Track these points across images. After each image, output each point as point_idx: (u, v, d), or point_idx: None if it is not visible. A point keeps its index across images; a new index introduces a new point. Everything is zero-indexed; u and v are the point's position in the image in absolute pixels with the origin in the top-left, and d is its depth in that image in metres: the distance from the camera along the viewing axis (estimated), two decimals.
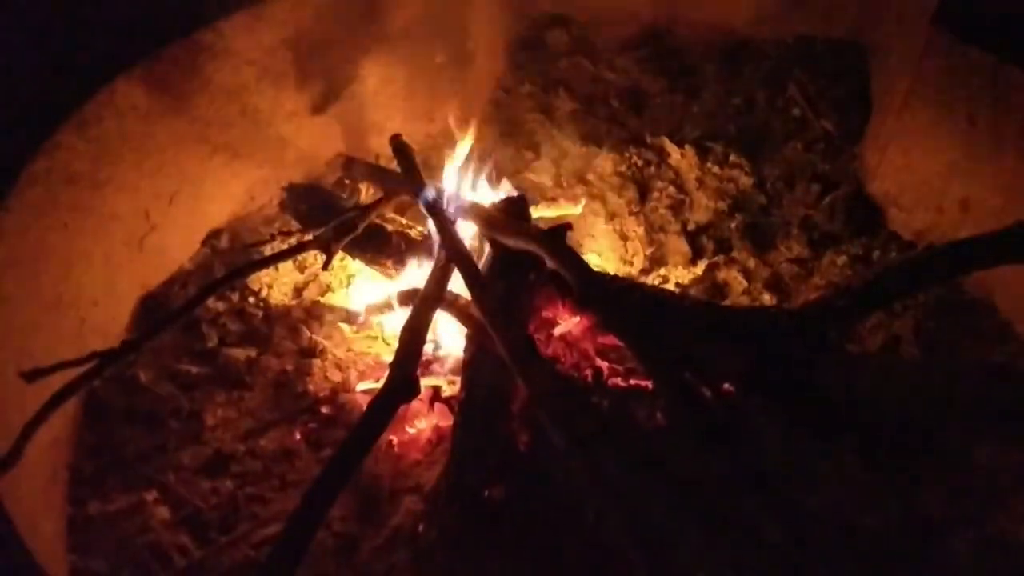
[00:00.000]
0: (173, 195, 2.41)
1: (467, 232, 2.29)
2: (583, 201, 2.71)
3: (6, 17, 2.24)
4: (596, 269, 1.90)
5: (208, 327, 2.36)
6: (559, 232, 1.85)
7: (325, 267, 2.07)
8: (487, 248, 2.20)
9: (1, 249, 1.79)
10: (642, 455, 1.90)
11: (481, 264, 2.18)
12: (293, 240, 2.39)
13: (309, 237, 2.16)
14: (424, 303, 1.89)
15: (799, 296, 2.45)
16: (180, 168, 2.40)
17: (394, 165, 2.48)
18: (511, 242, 2.03)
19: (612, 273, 2.39)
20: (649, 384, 2.08)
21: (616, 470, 1.58)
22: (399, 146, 2.34)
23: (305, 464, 2.09)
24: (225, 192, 2.61)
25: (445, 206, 2.19)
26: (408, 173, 2.28)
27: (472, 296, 1.91)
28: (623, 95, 3.19)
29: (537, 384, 1.66)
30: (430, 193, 2.20)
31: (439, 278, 1.99)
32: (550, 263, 1.86)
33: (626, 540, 1.51)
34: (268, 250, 2.36)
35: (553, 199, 2.74)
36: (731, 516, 1.72)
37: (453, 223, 2.12)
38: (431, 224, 2.17)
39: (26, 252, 1.90)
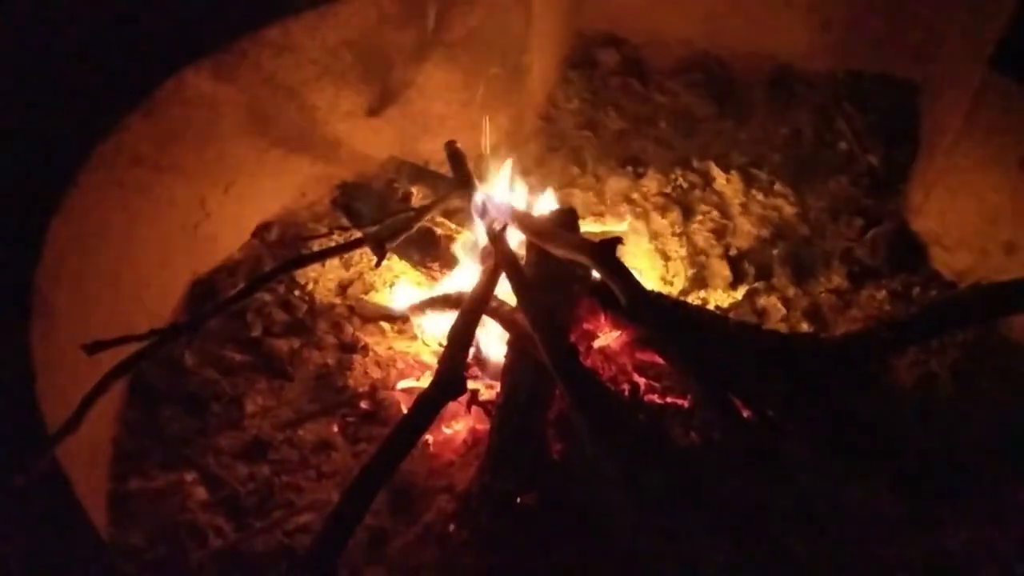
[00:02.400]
0: (229, 185, 2.47)
1: (513, 239, 2.33)
2: (628, 219, 2.74)
3: (86, 6, 2.31)
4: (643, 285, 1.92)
5: (253, 316, 2.40)
6: (610, 246, 1.87)
7: (377, 265, 2.10)
8: (528, 256, 2.24)
9: (69, 224, 1.85)
10: (678, 469, 1.93)
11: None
12: (343, 238, 2.43)
13: (361, 235, 2.20)
14: (473, 305, 1.92)
15: (836, 328, 2.46)
16: (238, 159, 2.46)
17: (444, 169, 2.53)
18: (560, 252, 2.06)
19: (659, 291, 2.41)
20: (685, 402, 2.10)
21: (651, 482, 1.61)
22: (453, 152, 2.39)
23: (341, 456, 2.12)
24: (278, 185, 2.66)
25: (495, 213, 2.23)
26: (461, 179, 2.33)
27: (518, 301, 1.94)
28: (671, 117, 3.22)
29: (578, 391, 1.69)
30: (481, 199, 2.24)
31: (488, 282, 2.02)
32: (599, 276, 1.89)
33: (657, 552, 1.54)
34: (320, 245, 2.40)
35: (599, 215, 2.77)
36: (761, 535, 1.74)
37: (503, 229, 2.15)
38: (480, 229, 2.21)
39: (90, 229, 1.96)
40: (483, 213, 2.22)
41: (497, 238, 2.09)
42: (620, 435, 1.64)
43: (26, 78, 2.13)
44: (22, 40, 2.24)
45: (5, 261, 1.74)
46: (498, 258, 2.03)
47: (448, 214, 2.54)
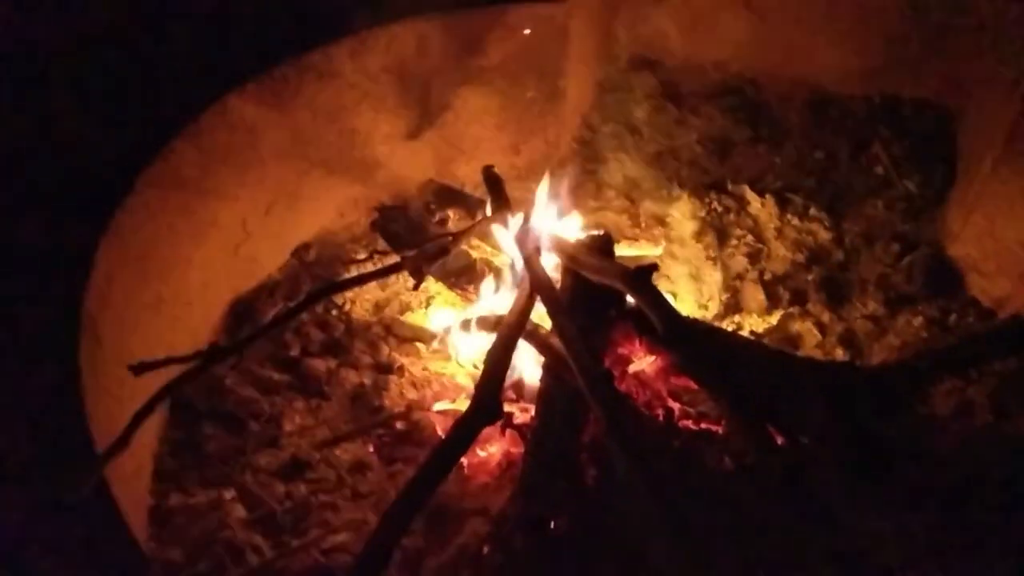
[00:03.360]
0: (269, 206, 2.51)
1: (548, 264, 2.36)
2: (663, 243, 2.75)
3: (136, 30, 2.37)
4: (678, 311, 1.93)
5: (291, 336, 2.44)
6: (646, 271, 1.89)
7: (415, 288, 2.14)
8: (563, 280, 2.26)
9: (116, 247, 1.90)
10: (711, 495, 1.93)
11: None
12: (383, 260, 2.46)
13: (398, 259, 2.24)
14: (509, 329, 1.94)
15: (872, 354, 2.45)
16: (278, 181, 2.51)
17: (480, 193, 2.56)
18: (596, 277, 2.08)
19: (693, 317, 2.41)
20: (720, 428, 2.10)
21: (685, 507, 1.61)
22: (490, 176, 2.42)
23: (377, 477, 2.15)
24: (317, 207, 2.71)
25: (531, 237, 2.25)
26: (497, 203, 2.35)
27: (554, 325, 1.95)
28: (706, 141, 3.22)
29: (612, 417, 1.70)
30: (517, 224, 2.26)
31: (523, 306, 2.04)
32: (635, 301, 1.90)
33: None
34: (361, 267, 2.43)
35: (633, 239, 2.79)
36: (795, 564, 1.73)
37: (538, 254, 2.18)
38: (516, 253, 2.23)
39: (136, 251, 2.01)
40: (520, 238, 2.24)
41: (531, 263, 2.11)
42: (654, 461, 1.64)
43: (74, 102, 2.19)
44: (72, 62, 2.30)
45: (55, 283, 1.79)
46: (533, 283, 2.05)
47: (484, 237, 2.56)
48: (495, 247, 2.52)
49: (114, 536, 1.50)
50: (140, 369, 1.63)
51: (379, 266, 2.20)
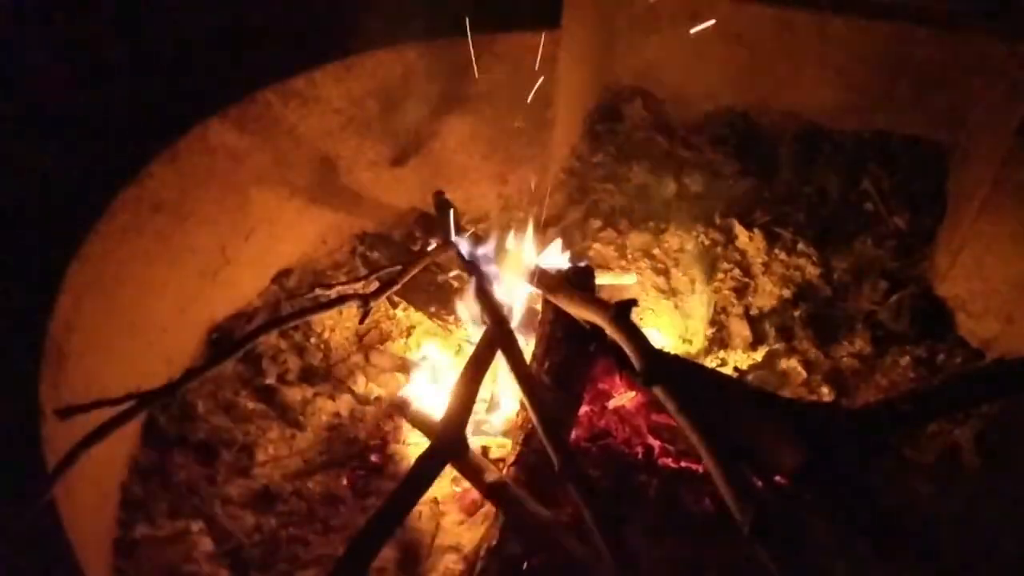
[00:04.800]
0: (250, 232, 2.48)
1: (527, 296, 2.34)
2: (634, 274, 2.72)
3: (116, 52, 2.35)
4: (658, 348, 1.90)
5: (268, 363, 2.40)
6: (624, 307, 1.86)
7: (361, 322, 2.12)
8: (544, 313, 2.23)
9: (86, 271, 1.85)
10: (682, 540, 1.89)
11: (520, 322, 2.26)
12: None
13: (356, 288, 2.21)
14: (475, 364, 1.90)
15: (859, 392, 2.42)
16: (259, 207, 2.47)
17: (466, 222, 2.53)
18: (574, 312, 2.05)
19: (674, 353, 2.38)
20: (700, 467, 2.07)
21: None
22: (441, 203, 2.40)
23: (349, 511, 2.10)
24: (299, 233, 2.67)
25: (488, 266, 2.24)
26: (444, 231, 2.34)
27: (507, 364, 1.92)
28: (695, 173, 3.20)
29: (566, 455, 1.66)
30: (466, 251, 2.26)
31: (490, 339, 2.00)
32: (613, 337, 1.86)
33: None
34: (338, 293, 2.39)
35: (609, 268, 2.75)
36: None
37: (491, 283, 2.18)
38: (472, 284, 2.21)
39: (108, 276, 1.97)
40: (470, 269, 2.23)
41: (482, 290, 2.10)
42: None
43: (51, 120, 2.16)
44: (49, 82, 2.28)
45: (19, 305, 1.75)
46: (482, 311, 2.05)
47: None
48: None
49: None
50: (65, 413, 1.59)
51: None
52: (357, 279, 2.33)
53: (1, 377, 1.64)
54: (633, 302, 1.88)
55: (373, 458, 2.21)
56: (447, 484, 2.12)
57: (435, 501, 2.09)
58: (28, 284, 1.79)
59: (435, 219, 2.54)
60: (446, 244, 2.35)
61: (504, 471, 1.96)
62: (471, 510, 2.07)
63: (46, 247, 1.86)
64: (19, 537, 1.40)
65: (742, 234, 2.93)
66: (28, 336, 1.69)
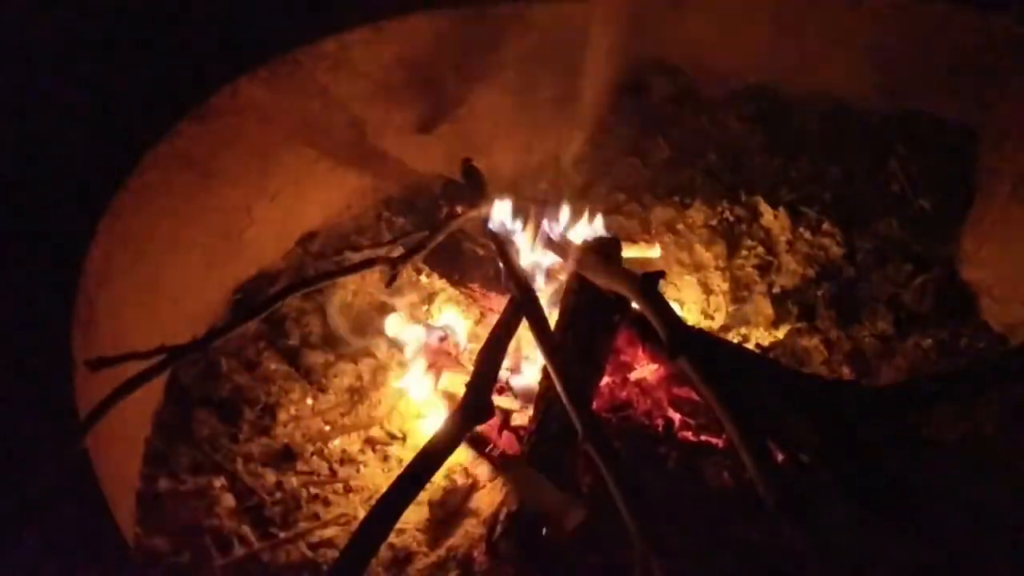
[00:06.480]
0: (276, 194, 2.48)
1: (554, 267, 2.33)
2: (658, 247, 2.70)
3: (147, 12, 2.35)
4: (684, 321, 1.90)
5: (292, 324, 2.42)
6: (652, 279, 1.85)
7: (388, 285, 2.11)
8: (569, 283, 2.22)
9: (116, 226, 1.87)
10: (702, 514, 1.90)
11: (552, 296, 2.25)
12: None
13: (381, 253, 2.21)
14: (499, 331, 1.90)
15: (879, 374, 2.41)
16: (286, 169, 2.48)
17: (490, 190, 2.52)
18: (601, 282, 2.04)
19: (699, 327, 2.37)
20: (720, 442, 2.07)
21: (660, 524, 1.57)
22: (469, 170, 2.40)
23: (370, 472, 2.12)
24: (324, 197, 2.68)
25: (516, 235, 2.23)
26: (472, 199, 2.34)
27: (531, 331, 1.92)
28: (721, 149, 3.18)
29: (589, 422, 1.66)
30: (494, 220, 2.25)
31: (517, 306, 2.00)
32: (639, 309, 1.86)
33: None
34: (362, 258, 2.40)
35: (633, 242, 2.74)
36: None
37: (516, 251, 2.20)
38: (497, 252, 2.21)
39: (136, 232, 1.98)
40: (495, 237, 2.23)
41: (507, 258, 2.11)
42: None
43: (82, 77, 2.17)
44: (79, 39, 2.28)
45: (52, 258, 1.76)
46: (505, 279, 2.06)
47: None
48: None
49: (99, 525, 1.46)
50: (96, 365, 1.60)
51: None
52: (382, 243, 2.33)
53: (35, 328, 1.66)
54: (661, 274, 1.88)
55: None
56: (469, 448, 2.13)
57: (457, 465, 2.10)
58: (60, 237, 1.80)
59: (461, 186, 2.53)
60: (473, 211, 2.34)
61: (525, 439, 1.97)
62: (492, 476, 2.08)
63: (77, 202, 1.87)
64: (53, 484, 1.41)
65: (767, 212, 2.90)
66: (60, 289, 1.71)
